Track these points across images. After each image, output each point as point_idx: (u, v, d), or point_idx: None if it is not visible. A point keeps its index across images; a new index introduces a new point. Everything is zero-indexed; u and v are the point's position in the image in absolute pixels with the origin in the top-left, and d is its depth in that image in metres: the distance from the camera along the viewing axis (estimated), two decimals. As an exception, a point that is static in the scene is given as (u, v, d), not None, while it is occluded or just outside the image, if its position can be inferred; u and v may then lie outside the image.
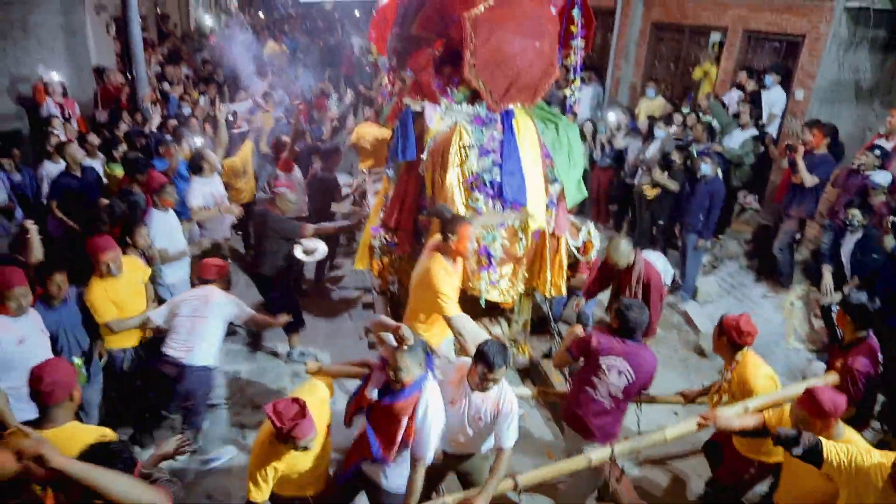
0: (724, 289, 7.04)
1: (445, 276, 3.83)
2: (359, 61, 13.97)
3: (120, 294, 4.19)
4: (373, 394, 3.07)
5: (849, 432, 3.02)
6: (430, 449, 3.02)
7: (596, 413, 3.63)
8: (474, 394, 3.18)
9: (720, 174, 6.63)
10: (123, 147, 6.64)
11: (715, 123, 7.56)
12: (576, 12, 4.85)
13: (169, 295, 4.98)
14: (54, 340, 3.83)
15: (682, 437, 3.63)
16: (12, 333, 3.50)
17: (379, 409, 3.04)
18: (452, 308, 3.82)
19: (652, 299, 4.54)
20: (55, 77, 8.03)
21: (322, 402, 3.15)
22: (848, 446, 2.78)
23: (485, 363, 3.02)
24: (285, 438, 2.81)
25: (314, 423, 2.85)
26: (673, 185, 6.92)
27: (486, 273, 4.63)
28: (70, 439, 2.51)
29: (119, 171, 6.31)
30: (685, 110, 8.43)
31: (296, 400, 2.85)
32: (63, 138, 6.50)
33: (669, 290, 7.16)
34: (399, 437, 2.97)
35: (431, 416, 2.97)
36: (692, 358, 6.01)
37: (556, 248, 4.92)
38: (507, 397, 3.19)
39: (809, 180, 6.11)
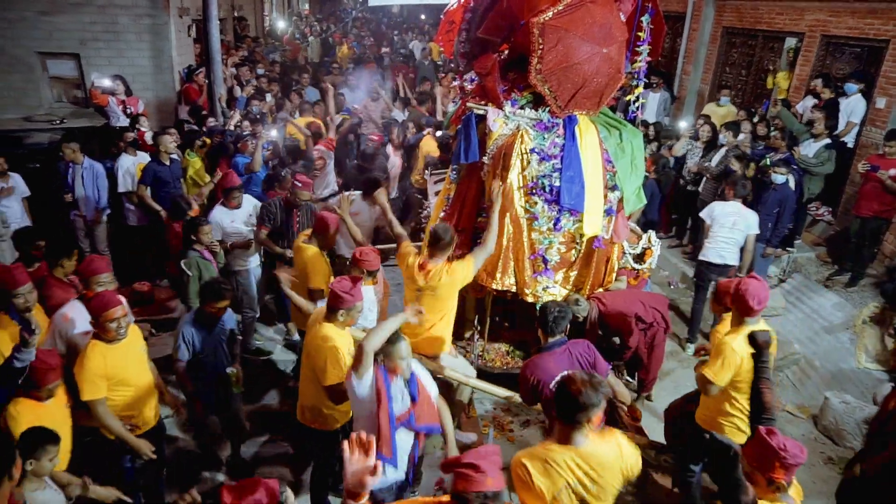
0: (791, 302, 6.80)
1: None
2: (421, 63, 14.18)
3: (120, 366, 3.43)
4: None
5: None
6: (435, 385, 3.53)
7: None
8: None
9: (792, 182, 6.42)
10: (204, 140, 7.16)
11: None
12: (644, 19, 4.83)
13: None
14: (213, 353, 3.99)
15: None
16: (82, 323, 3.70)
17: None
18: None
19: (630, 341, 4.63)
20: (106, 82, 8.62)
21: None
22: None
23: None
24: (334, 304, 3.45)
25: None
26: (713, 169, 6.83)
27: (543, 278, 4.68)
28: None
29: (196, 162, 6.82)
30: (755, 119, 8.19)
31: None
32: (136, 135, 7.08)
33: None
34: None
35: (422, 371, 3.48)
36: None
37: (609, 253, 4.93)
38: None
39: None
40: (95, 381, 3.32)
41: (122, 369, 3.44)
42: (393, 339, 3.13)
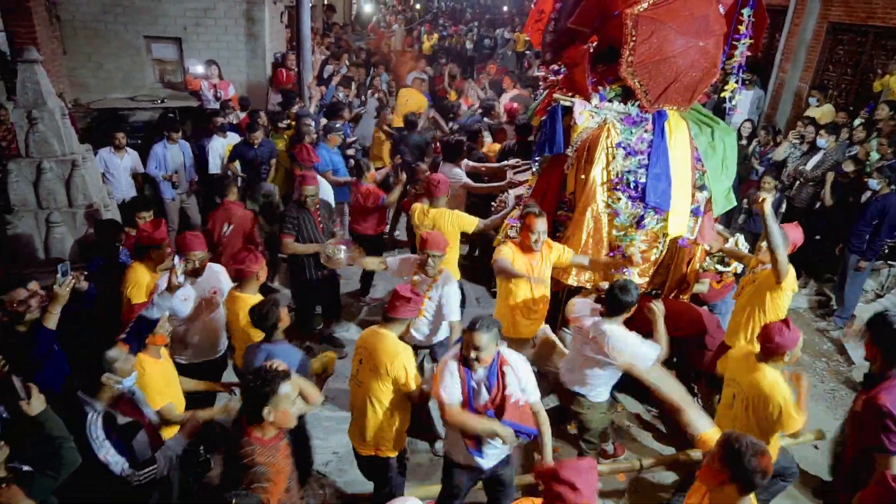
0: (888, 320, 6.34)
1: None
2: (504, 54, 14.10)
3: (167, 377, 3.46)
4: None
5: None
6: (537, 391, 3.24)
7: None
8: None
9: None
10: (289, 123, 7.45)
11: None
12: (746, 11, 4.62)
13: None
14: None
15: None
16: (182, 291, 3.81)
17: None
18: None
19: None
20: (199, 69, 9.07)
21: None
22: None
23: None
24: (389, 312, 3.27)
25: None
26: (809, 173, 6.51)
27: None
28: None
29: (280, 142, 7.18)
30: (858, 122, 7.64)
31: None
32: (230, 120, 7.49)
33: (822, 315, 6.63)
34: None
35: (522, 368, 3.16)
36: (841, 391, 5.50)
37: (692, 254, 4.78)
38: None
39: None
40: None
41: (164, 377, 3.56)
42: (472, 327, 2.99)
